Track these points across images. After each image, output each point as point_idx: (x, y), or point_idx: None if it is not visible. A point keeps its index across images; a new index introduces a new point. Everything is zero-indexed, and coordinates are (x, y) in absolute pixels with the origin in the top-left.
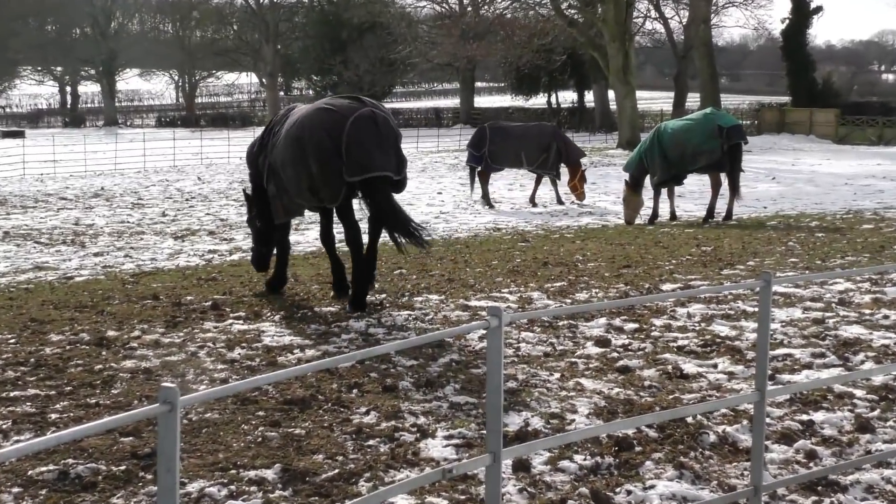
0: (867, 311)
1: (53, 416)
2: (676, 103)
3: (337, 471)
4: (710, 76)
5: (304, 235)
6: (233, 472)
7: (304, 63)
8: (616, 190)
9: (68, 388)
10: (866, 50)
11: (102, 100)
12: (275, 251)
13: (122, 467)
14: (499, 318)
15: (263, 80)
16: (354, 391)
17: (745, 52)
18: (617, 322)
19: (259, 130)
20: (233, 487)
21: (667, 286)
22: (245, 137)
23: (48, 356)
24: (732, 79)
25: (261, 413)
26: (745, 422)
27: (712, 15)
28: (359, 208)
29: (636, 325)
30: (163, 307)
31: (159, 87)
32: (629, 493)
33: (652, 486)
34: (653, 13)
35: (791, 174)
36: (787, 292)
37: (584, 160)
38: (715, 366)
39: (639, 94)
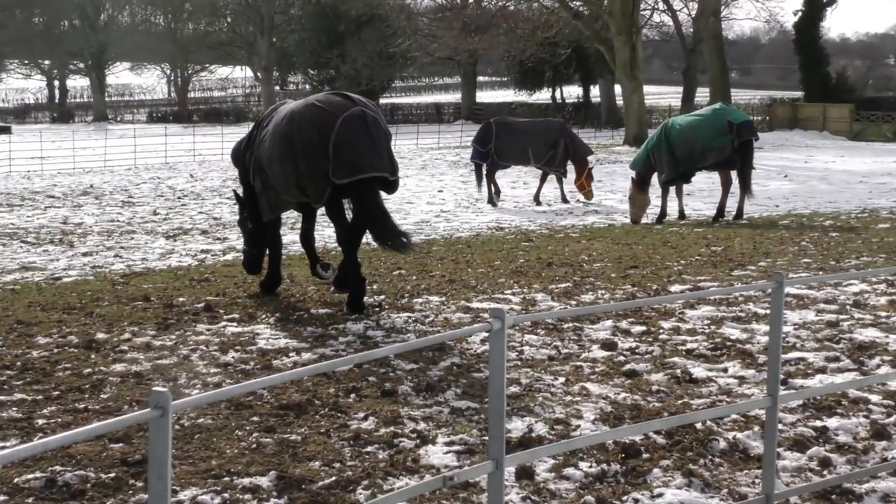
0: (883, 314)
1: (40, 421)
2: (685, 98)
3: (334, 478)
4: (719, 70)
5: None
6: (226, 479)
7: (300, 57)
8: (622, 188)
9: (56, 392)
10: (882, 43)
11: (91, 94)
12: (267, 252)
13: (112, 475)
14: (501, 320)
15: (258, 75)
16: (352, 396)
17: (757, 45)
18: (624, 324)
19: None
20: (226, 495)
21: (675, 287)
22: (239, 133)
23: (35, 359)
24: (743, 73)
25: (255, 418)
26: (756, 428)
27: (722, 7)
28: (348, 208)
29: (643, 328)
30: (154, 309)
31: (150, 82)
32: (636, 501)
33: (660, 495)
34: (661, 5)
35: (804, 172)
36: (799, 294)
37: (590, 158)
38: (725, 370)
39: (646, 88)
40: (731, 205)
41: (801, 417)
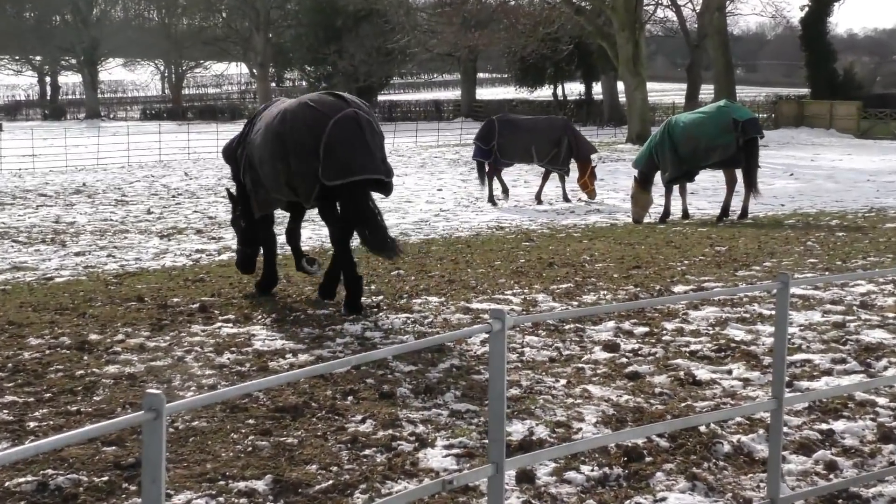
0: (890, 315)
1: (32, 424)
2: (689, 95)
3: (331, 482)
4: (724, 67)
5: None
6: (221, 483)
7: (297, 52)
8: (625, 187)
9: (48, 394)
10: (890, 39)
11: (84, 91)
12: (261, 251)
13: (105, 478)
14: (502, 321)
15: (254, 71)
16: (350, 398)
17: (762, 41)
18: (626, 326)
19: None
20: (221, 499)
21: (679, 288)
22: (234, 131)
23: (27, 361)
24: (748, 69)
25: (251, 421)
26: (761, 431)
27: (727, 2)
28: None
29: (646, 329)
30: (148, 309)
31: (144, 78)
32: None
33: (663, 499)
34: (664, 0)
35: (810, 170)
36: (805, 294)
37: (593, 156)
38: (729, 372)
39: (649, 85)
40: (736, 204)
41: (807, 420)
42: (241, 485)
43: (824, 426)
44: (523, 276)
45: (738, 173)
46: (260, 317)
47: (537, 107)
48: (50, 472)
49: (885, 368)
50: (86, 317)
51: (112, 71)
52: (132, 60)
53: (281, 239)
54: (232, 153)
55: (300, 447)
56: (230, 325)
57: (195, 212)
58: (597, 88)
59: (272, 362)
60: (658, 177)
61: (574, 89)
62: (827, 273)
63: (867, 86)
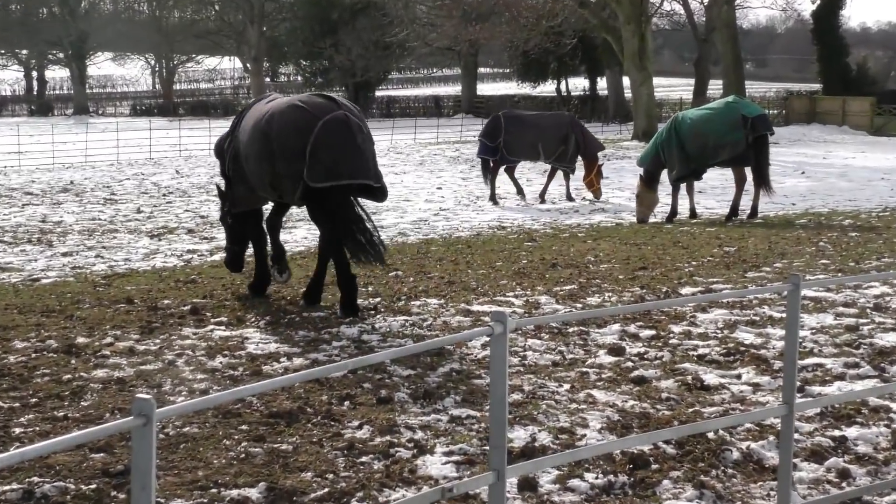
0: None
1: (17, 430)
2: (697, 91)
3: (327, 490)
4: (733, 61)
5: (292, 234)
6: (213, 491)
7: (292, 47)
8: (631, 185)
9: (34, 399)
10: None
11: (72, 86)
12: (253, 251)
13: (93, 486)
14: (503, 323)
15: (247, 66)
16: (346, 403)
17: (773, 35)
18: (632, 329)
19: None
20: None
21: (686, 290)
22: (227, 127)
23: (12, 365)
24: (758, 64)
25: (244, 427)
26: (771, 437)
27: None
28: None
29: (653, 332)
30: (137, 312)
31: (134, 73)
32: None
33: None
34: None
35: (822, 168)
36: (817, 297)
37: (599, 153)
38: (739, 376)
39: (656, 80)
40: (745, 203)
41: (819, 427)
42: (234, 493)
43: (837, 433)
44: (525, 278)
45: (748, 171)
46: (253, 319)
47: (540, 103)
48: (36, 479)
49: None
50: (73, 319)
51: (101, 65)
52: (121, 54)
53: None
54: (221, 147)
55: (295, 454)
56: (222, 327)
57: (186, 211)
58: (601, 84)
59: (266, 366)
60: (664, 175)
61: (578, 85)
62: (839, 274)
63: (881, 81)
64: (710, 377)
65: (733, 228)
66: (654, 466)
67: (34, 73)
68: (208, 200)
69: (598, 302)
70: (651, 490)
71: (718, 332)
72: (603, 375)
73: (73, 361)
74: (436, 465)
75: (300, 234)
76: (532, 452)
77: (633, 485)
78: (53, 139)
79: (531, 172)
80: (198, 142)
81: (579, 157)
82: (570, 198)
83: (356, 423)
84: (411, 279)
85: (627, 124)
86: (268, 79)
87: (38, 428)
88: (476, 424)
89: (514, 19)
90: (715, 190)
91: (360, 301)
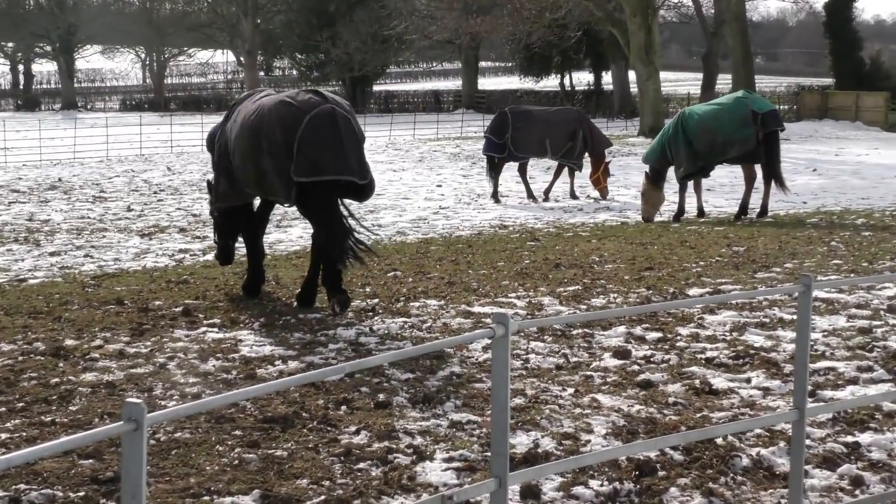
0: None
1: (3, 435)
2: (705, 86)
3: (323, 497)
4: (743, 55)
5: (287, 233)
6: (206, 498)
7: (287, 40)
8: (637, 183)
9: (20, 404)
10: None
11: (59, 80)
12: (245, 250)
13: (81, 493)
14: (505, 325)
15: (241, 59)
16: (343, 408)
17: (784, 28)
18: (638, 331)
19: None
20: None
21: (694, 291)
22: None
23: None
24: (769, 58)
25: (238, 432)
26: (782, 444)
27: None
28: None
29: (659, 335)
30: (128, 313)
31: (124, 66)
32: None
33: None
34: None
35: (834, 165)
36: (829, 298)
37: (606, 151)
38: (748, 380)
39: (663, 75)
40: (755, 201)
41: (831, 432)
42: (227, 500)
43: (849, 438)
44: (528, 278)
45: (758, 169)
46: (247, 321)
47: (543, 97)
48: (23, 486)
49: None
50: (61, 321)
51: (90, 59)
52: (111, 47)
53: (271, 238)
54: (213, 140)
55: (290, 460)
56: (215, 329)
57: (178, 209)
58: (606, 78)
59: (260, 370)
60: (671, 173)
61: (582, 79)
62: (852, 275)
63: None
64: (719, 381)
65: (742, 227)
66: (661, 473)
67: (21, 67)
68: (200, 198)
69: (602, 303)
70: (658, 498)
71: (727, 334)
72: (608, 379)
73: (61, 365)
74: (435, 471)
75: (295, 233)
76: (535, 459)
77: (640, 492)
78: (41, 135)
79: (533, 170)
80: (190, 138)
81: (586, 155)
82: (574, 196)
83: (353, 428)
84: (410, 280)
85: (633, 120)
86: (262, 73)
87: (24, 433)
88: (477, 430)
89: (516, 11)
90: (724, 188)
91: (357, 302)
